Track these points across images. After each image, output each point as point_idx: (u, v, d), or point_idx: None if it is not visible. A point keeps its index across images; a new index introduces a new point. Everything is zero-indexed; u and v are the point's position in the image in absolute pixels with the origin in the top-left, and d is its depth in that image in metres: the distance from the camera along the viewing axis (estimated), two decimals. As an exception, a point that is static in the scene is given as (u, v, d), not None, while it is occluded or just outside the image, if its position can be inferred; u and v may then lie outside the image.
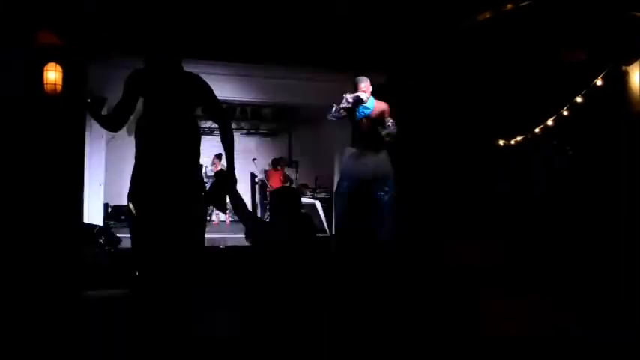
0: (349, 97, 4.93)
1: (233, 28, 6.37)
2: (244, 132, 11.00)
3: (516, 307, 3.91)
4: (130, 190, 3.22)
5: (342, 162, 5.40)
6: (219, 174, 4.38)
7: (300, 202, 4.11)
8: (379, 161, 5.00)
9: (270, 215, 4.10)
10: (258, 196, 9.47)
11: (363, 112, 4.97)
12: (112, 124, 3.27)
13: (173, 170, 3.17)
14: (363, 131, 5.02)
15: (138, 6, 5.58)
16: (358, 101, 4.92)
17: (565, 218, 5.58)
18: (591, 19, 4.92)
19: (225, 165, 3.58)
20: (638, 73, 5.15)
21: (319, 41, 6.72)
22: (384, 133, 4.87)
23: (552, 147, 5.80)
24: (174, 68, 3.24)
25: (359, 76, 5.06)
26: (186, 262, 3.22)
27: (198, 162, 3.36)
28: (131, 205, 3.19)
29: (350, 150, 5.13)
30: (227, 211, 5.23)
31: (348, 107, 4.93)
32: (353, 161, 5.04)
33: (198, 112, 3.38)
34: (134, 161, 3.22)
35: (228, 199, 3.56)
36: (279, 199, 3.75)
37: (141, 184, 3.19)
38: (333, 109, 4.93)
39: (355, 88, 4.98)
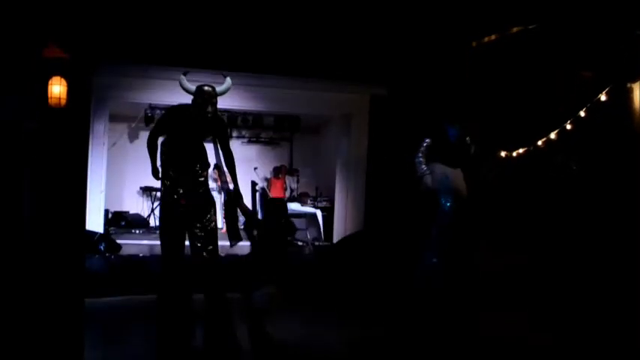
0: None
1: (236, 37, 6.36)
2: (245, 140, 10.94)
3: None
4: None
5: (436, 179, 5.45)
6: (228, 193, 5.56)
7: (286, 210, 7.30)
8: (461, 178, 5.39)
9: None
10: (258, 203, 9.50)
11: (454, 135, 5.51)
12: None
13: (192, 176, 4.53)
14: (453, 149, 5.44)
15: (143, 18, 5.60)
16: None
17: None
18: (596, 39, 4.93)
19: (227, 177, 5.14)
20: (641, 90, 5.17)
21: (322, 52, 6.72)
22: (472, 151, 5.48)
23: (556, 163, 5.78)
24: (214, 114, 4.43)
25: None
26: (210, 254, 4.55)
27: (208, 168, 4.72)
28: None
29: (441, 167, 5.42)
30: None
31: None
32: (452, 178, 5.36)
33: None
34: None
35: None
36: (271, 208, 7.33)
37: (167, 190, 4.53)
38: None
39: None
